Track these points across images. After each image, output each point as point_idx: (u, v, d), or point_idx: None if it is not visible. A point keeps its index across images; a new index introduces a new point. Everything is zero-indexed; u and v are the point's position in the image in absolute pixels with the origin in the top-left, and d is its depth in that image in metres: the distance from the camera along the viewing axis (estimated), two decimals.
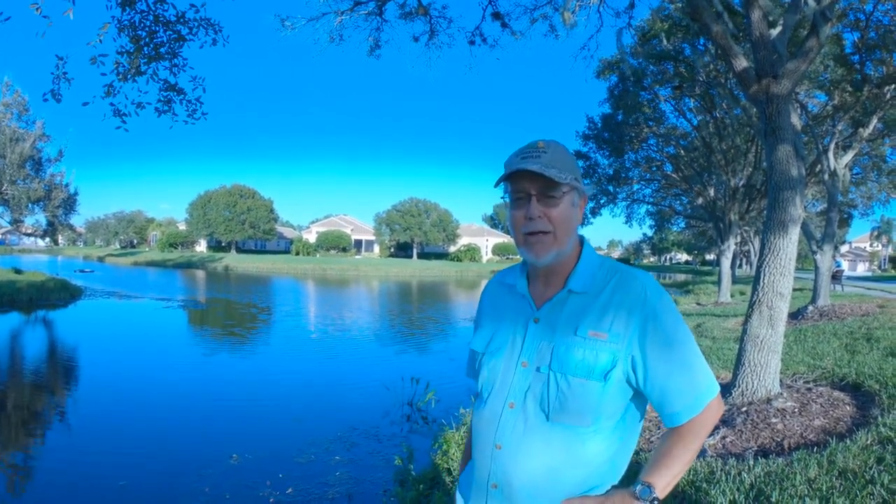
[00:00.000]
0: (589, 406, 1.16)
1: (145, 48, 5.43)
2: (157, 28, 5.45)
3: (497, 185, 1.23)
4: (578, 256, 1.26)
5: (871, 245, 71.91)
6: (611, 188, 21.29)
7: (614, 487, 1.22)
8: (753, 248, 34.31)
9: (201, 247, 75.55)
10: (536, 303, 1.27)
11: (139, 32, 5.36)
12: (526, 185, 1.19)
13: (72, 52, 5.13)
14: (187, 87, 5.88)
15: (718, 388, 1.22)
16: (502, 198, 1.27)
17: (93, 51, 4.92)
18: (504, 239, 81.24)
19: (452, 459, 4.39)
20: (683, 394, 1.17)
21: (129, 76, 5.39)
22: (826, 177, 11.92)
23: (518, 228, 1.22)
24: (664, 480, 1.17)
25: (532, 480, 1.19)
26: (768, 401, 4.65)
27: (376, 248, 77.03)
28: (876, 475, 3.00)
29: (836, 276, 19.15)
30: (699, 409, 1.18)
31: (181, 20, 5.50)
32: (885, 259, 67.92)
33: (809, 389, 5.04)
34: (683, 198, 23.26)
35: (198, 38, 5.65)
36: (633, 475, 1.22)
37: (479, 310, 1.44)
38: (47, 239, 31.83)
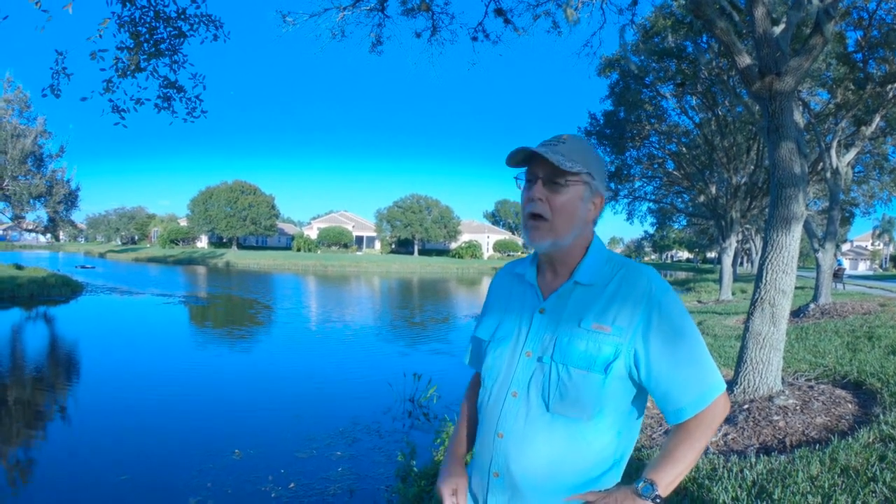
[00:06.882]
0: (588, 398, 1.16)
1: (145, 44, 5.40)
2: (158, 24, 5.43)
3: (508, 163, 1.25)
4: (586, 250, 1.28)
5: (872, 244, 71.86)
6: (612, 185, 21.28)
7: (617, 484, 1.21)
8: (755, 245, 34.28)
9: (202, 243, 75.61)
10: (543, 293, 1.28)
11: (139, 28, 5.33)
12: (536, 168, 1.22)
13: (71, 47, 5.13)
14: (187, 84, 5.86)
15: (725, 386, 1.21)
16: (518, 185, 1.29)
17: (92, 46, 4.91)
18: (505, 236, 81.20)
19: None
20: (689, 389, 1.16)
21: (128, 72, 5.38)
22: (828, 175, 11.90)
23: (524, 209, 1.25)
24: (668, 478, 1.16)
25: (532, 470, 1.19)
26: (770, 398, 4.65)
27: (377, 245, 77.02)
28: (878, 473, 3.00)
29: (838, 275, 19.10)
30: (705, 405, 1.17)
31: (182, 16, 5.47)
32: (886, 258, 67.87)
33: (811, 387, 5.05)
34: (685, 195, 23.24)
35: (198, 34, 5.62)
36: (634, 472, 1.22)
37: (487, 299, 1.45)
38: (48, 235, 31.85)
